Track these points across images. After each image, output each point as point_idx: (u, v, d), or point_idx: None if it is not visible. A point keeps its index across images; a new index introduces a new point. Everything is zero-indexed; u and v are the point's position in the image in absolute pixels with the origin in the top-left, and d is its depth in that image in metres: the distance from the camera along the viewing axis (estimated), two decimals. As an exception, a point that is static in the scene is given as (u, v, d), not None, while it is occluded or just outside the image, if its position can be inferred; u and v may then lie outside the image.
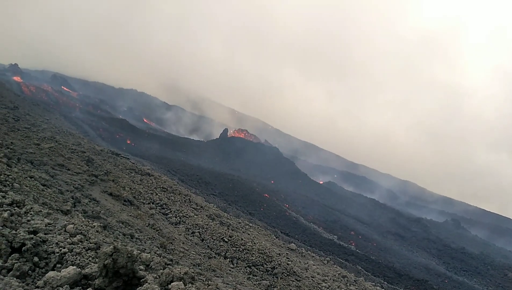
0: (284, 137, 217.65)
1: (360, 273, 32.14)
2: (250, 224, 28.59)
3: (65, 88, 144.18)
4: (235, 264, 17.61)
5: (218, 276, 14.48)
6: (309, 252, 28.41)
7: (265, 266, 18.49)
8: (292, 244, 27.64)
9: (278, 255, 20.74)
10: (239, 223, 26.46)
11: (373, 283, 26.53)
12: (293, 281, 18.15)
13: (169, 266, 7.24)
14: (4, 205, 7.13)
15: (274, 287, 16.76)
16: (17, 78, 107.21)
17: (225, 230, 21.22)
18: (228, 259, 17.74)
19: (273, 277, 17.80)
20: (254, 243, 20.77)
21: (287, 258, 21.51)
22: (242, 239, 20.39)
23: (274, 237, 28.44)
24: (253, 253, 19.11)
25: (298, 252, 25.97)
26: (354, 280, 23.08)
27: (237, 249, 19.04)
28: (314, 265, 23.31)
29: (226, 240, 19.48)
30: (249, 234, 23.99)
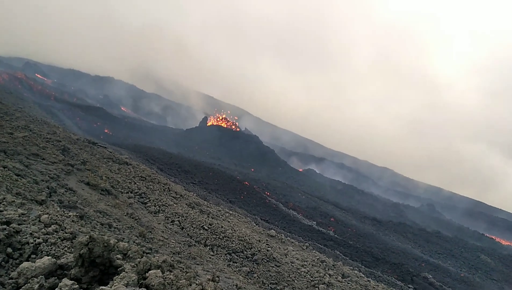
0: (264, 126, 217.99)
1: (339, 258, 32.79)
2: (230, 212, 28.67)
3: (39, 76, 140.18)
4: (215, 251, 17.68)
5: (198, 264, 14.53)
6: (288, 238, 28.74)
7: (245, 253, 18.64)
8: (272, 230, 27.89)
9: (258, 242, 20.92)
10: (219, 211, 26.48)
11: (351, 267, 27.09)
12: (273, 266, 18.38)
13: (147, 254, 7.21)
14: (-25, 196, 6.92)
15: (254, 273, 16.93)
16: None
17: (205, 218, 21.23)
18: (208, 247, 17.79)
19: (253, 264, 17.97)
20: (234, 231, 20.88)
21: (267, 244, 21.72)
22: (222, 227, 20.46)
23: (254, 224, 28.64)
24: (233, 241, 19.22)
25: (277, 239, 26.24)
26: (333, 265, 23.51)
27: (217, 236, 19.11)
28: (293, 250, 23.61)
29: (206, 228, 19.51)
30: (229, 221, 24.07)
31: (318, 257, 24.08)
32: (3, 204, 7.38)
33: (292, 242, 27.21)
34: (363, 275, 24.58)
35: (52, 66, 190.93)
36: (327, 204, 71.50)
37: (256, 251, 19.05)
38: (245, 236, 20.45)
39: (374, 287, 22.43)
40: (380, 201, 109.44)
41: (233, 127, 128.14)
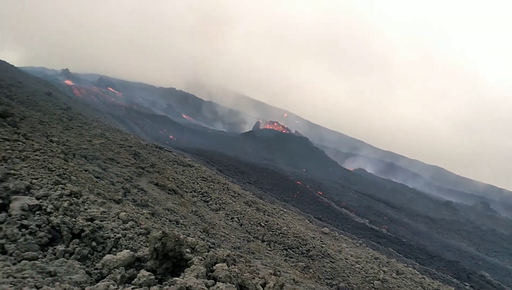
0: (313, 127, 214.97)
1: (392, 255, 31.49)
2: (285, 210, 28.58)
3: (111, 89, 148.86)
4: (272, 247, 17.68)
5: (257, 258, 14.60)
6: (342, 235, 28.11)
7: (300, 248, 18.47)
8: (325, 228, 27.41)
9: (312, 239, 20.66)
10: (274, 209, 26.50)
11: (405, 264, 25.91)
12: (328, 262, 18.04)
13: (212, 249, 7.34)
14: (64, 196, 7.44)
15: (309, 268, 16.72)
16: (68, 82, 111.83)
17: (262, 216, 21.33)
18: (266, 243, 17.84)
19: (308, 259, 17.76)
20: (289, 227, 20.77)
21: (321, 241, 21.37)
22: (277, 224, 20.44)
23: (308, 222, 28.31)
24: (289, 237, 19.12)
25: (331, 236, 25.75)
26: (387, 261, 22.63)
27: (274, 233, 19.10)
28: (347, 247, 23.04)
29: (263, 224, 19.59)
30: (284, 219, 23.99)
31: (371, 254, 23.29)
32: (87, 203, 7.88)
33: (346, 239, 26.57)
34: (417, 272, 23.40)
35: (122, 80, 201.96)
36: (379, 203, 69.02)
37: (311, 247, 18.80)
38: (299, 233, 20.28)
39: (429, 284, 21.26)
40: (432, 199, 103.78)
41: (284, 130, 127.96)
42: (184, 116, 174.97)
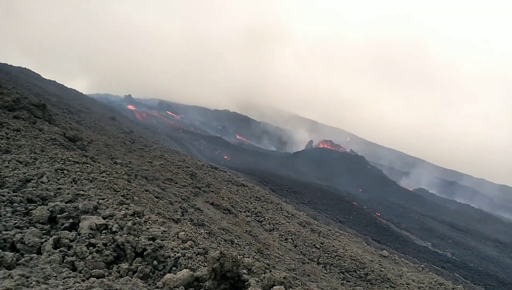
0: (369, 146, 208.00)
1: (458, 281, 29.15)
2: (341, 232, 27.73)
3: (169, 113, 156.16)
4: (328, 269, 17.14)
5: (312, 281, 14.21)
6: (402, 259, 26.59)
7: (358, 272, 17.70)
8: (384, 251, 26.13)
9: (370, 262, 19.74)
10: (330, 230, 25.81)
11: (475, 293, 23.86)
12: (388, 287, 17.08)
13: (268, 270, 7.26)
14: (128, 216, 7.81)
15: (368, 294, 15.94)
16: (131, 107, 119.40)
17: (317, 237, 20.84)
18: (321, 265, 17.34)
19: (367, 283, 16.95)
20: (346, 250, 20.06)
21: (380, 264, 20.35)
22: (333, 246, 19.83)
23: (366, 244, 27.19)
24: (345, 260, 18.44)
25: (391, 259, 24.46)
26: (452, 288, 20.95)
27: (329, 255, 18.54)
28: (408, 272, 21.71)
29: (318, 246, 19.10)
30: (340, 241, 23.25)
31: (435, 279, 21.70)
32: (149, 223, 8.20)
33: (407, 263, 25.08)
34: (489, 302, 21.40)
35: (180, 104, 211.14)
36: (442, 225, 64.65)
37: (369, 271, 17.95)
38: (357, 256, 19.48)
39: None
40: (501, 221, 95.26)
41: (338, 148, 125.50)
42: (237, 136, 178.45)
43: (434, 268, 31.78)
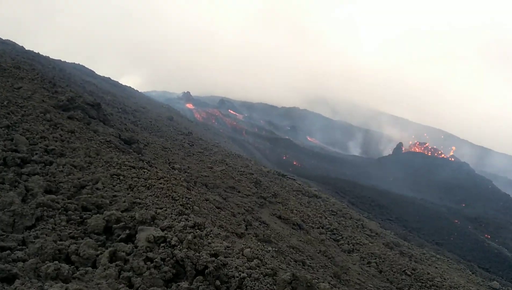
0: (475, 150, 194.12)
1: None
2: (438, 256, 26.30)
3: (232, 112, 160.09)
4: (421, 302, 16.30)
5: (402, 315, 13.60)
6: (518, 294, 24.53)
7: (460, 307, 16.63)
8: (495, 282, 24.27)
9: (476, 296, 18.46)
10: (424, 254, 24.61)
11: None
12: (500, 330, 15.81)
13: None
14: (187, 228, 8.08)
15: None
16: (189, 105, 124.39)
17: (407, 262, 19.95)
18: (412, 296, 16.53)
19: (471, 323, 15.85)
20: (444, 279, 18.93)
21: (489, 300, 18.94)
22: (428, 273, 18.82)
23: (470, 273, 25.48)
24: (443, 291, 17.41)
25: (503, 293, 22.66)
26: None
27: (423, 284, 17.62)
28: (527, 311, 19.95)
29: (408, 273, 18.25)
30: (436, 267, 22.04)
31: None
32: (211, 236, 8.41)
33: (524, 300, 23.08)
34: None
35: (243, 101, 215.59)
36: None
37: (475, 307, 16.77)
38: (458, 287, 18.32)
39: None
40: None
41: (436, 153, 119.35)
42: (309, 138, 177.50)
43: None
